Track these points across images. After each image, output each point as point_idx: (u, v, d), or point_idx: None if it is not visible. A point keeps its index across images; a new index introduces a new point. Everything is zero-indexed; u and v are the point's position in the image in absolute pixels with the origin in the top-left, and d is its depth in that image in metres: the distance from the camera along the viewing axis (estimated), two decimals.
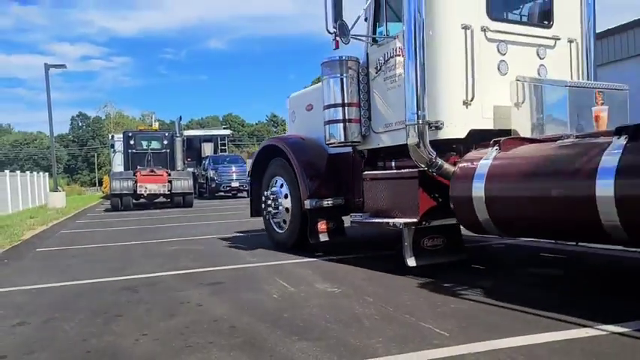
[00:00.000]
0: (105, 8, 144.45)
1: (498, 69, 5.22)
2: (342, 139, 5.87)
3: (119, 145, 23.51)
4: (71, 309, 4.33)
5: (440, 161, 4.86)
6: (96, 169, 73.86)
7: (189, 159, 26.92)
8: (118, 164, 24.09)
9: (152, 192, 19.10)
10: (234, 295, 4.58)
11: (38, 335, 3.66)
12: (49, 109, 22.41)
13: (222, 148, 31.46)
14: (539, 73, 5.45)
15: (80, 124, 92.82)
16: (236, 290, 4.79)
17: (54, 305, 4.52)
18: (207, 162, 26.98)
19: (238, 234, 9.14)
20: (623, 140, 3.53)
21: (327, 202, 6.38)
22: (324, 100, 6.03)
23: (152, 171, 19.38)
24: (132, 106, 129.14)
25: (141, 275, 5.71)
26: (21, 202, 20.72)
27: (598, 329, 3.16)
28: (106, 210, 19.47)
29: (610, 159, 3.48)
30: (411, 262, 5.02)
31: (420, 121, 4.83)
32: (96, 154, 75.68)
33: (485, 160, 4.46)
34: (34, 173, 26.67)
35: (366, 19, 5.90)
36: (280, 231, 7.14)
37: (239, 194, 24.78)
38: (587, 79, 5.69)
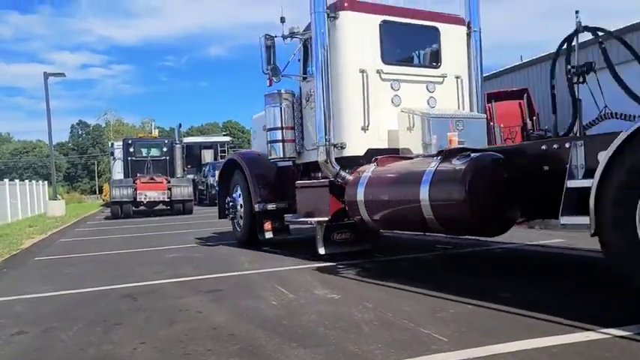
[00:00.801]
0: (104, 17, 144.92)
1: (392, 101, 6.57)
2: (281, 155, 7.21)
3: (119, 153, 23.52)
4: (70, 318, 4.32)
5: (343, 173, 6.20)
6: (96, 177, 73.81)
7: (189, 166, 26.93)
8: (118, 172, 24.09)
9: (152, 199, 19.11)
10: (233, 303, 4.57)
11: (36, 344, 3.65)
12: (48, 117, 22.46)
13: (222, 154, 31.39)
14: (428, 104, 6.78)
15: (80, 132, 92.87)
16: (235, 297, 4.78)
17: (53, 314, 4.51)
18: (207, 169, 26.98)
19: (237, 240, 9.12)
20: (438, 160, 4.91)
21: (272, 206, 7.62)
22: (267, 124, 7.36)
23: (152, 178, 19.40)
24: (132, 114, 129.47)
25: (140, 283, 5.70)
26: (20, 211, 20.72)
27: (599, 332, 3.14)
28: (106, 218, 19.47)
29: (429, 173, 4.86)
30: (321, 250, 6.37)
31: (327, 143, 6.24)
32: (96, 161, 75.63)
33: (366, 173, 5.77)
34: (34, 182, 26.67)
35: (299, 60, 7.15)
36: (239, 230, 8.56)
37: None
38: (472, 108, 7.08)
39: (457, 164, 4.71)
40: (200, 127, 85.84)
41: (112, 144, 28.35)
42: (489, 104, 12.44)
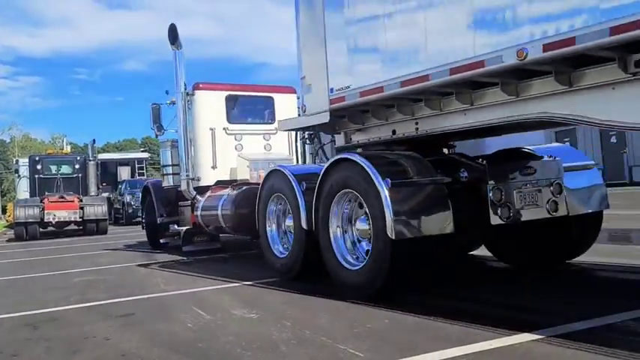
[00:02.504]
0: (9, 25, 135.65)
1: (235, 148, 9.38)
2: (171, 184, 9.89)
3: (24, 170, 21.95)
4: None
5: (198, 196, 9.13)
6: None
7: (104, 184, 25.59)
8: (23, 190, 22.45)
9: (61, 219, 17.94)
10: (146, 327, 4.35)
11: None
12: None
13: (141, 172, 30.16)
14: (265, 149, 9.66)
15: None
16: (148, 321, 4.55)
17: None
18: (123, 186, 25.77)
19: (154, 261, 8.76)
20: (230, 189, 8.29)
21: (165, 219, 10.13)
22: (161, 161, 10.34)
23: (62, 197, 18.23)
24: (41, 129, 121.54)
25: (43, 310, 5.28)
26: None
27: (506, 339, 3.28)
28: (9, 240, 18.03)
29: (225, 197, 8.18)
30: (184, 248, 9.41)
31: (187, 177, 9.19)
32: None
33: (206, 196, 8.99)
34: None
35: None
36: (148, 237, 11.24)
37: None
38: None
39: (235, 192, 8.01)
40: (117, 143, 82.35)
41: (17, 161, 26.43)
42: None
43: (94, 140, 20.93)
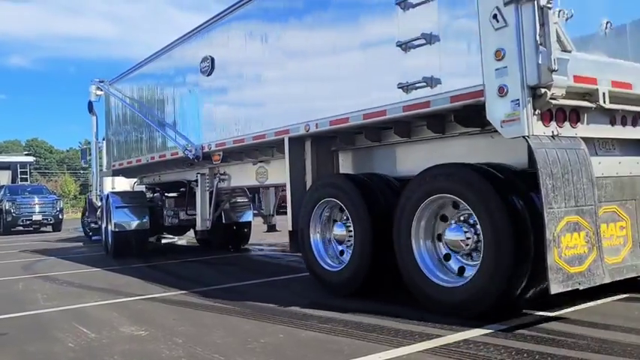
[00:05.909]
0: None
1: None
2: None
3: None
4: None
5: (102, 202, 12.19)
6: None
7: None
8: None
9: None
10: (20, 348, 3.98)
11: None
12: None
13: (23, 176, 27.72)
14: None
15: None
16: (23, 341, 4.17)
17: None
18: (2, 192, 23.50)
19: (34, 275, 8.06)
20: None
21: (91, 220, 14.08)
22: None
23: None
24: None
25: None
26: None
27: (402, 350, 3.42)
28: None
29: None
30: (93, 238, 14.14)
31: (98, 193, 13.08)
32: None
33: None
34: None
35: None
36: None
37: (42, 229, 21.97)
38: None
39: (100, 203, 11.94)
40: None
41: None
42: None
43: None
